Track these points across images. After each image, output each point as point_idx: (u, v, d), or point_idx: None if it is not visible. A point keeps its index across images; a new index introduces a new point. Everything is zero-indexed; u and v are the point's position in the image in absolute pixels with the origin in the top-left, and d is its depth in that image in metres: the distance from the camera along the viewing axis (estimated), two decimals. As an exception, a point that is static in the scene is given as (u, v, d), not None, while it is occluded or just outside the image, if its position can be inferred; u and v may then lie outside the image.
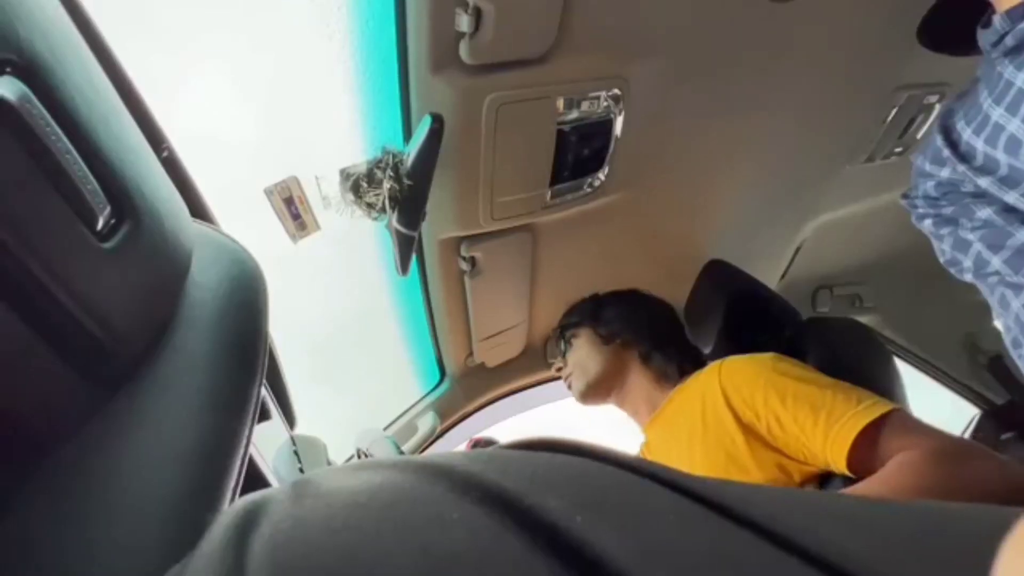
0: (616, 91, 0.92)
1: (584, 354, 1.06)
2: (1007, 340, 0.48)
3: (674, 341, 1.06)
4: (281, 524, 0.14)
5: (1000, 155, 0.45)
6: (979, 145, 0.47)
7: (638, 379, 1.00)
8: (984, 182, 0.46)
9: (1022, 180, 0.44)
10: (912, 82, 1.22)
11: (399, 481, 0.15)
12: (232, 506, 0.16)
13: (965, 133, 0.49)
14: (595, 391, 1.03)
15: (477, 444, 1.99)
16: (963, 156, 0.49)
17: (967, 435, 1.81)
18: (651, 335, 1.04)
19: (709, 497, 0.14)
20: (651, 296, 1.15)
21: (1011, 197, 0.44)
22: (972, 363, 1.79)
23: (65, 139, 0.24)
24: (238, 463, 0.32)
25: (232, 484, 0.31)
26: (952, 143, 0.51)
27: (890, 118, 1.28)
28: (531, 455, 0.17)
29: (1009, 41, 0.44)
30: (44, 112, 0.23)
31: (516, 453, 0.17)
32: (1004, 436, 1.73)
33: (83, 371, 0.27)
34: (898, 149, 1.37)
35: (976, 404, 1.83)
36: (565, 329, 1.13)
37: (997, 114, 0.45)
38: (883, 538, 0.14)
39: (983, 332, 1.75)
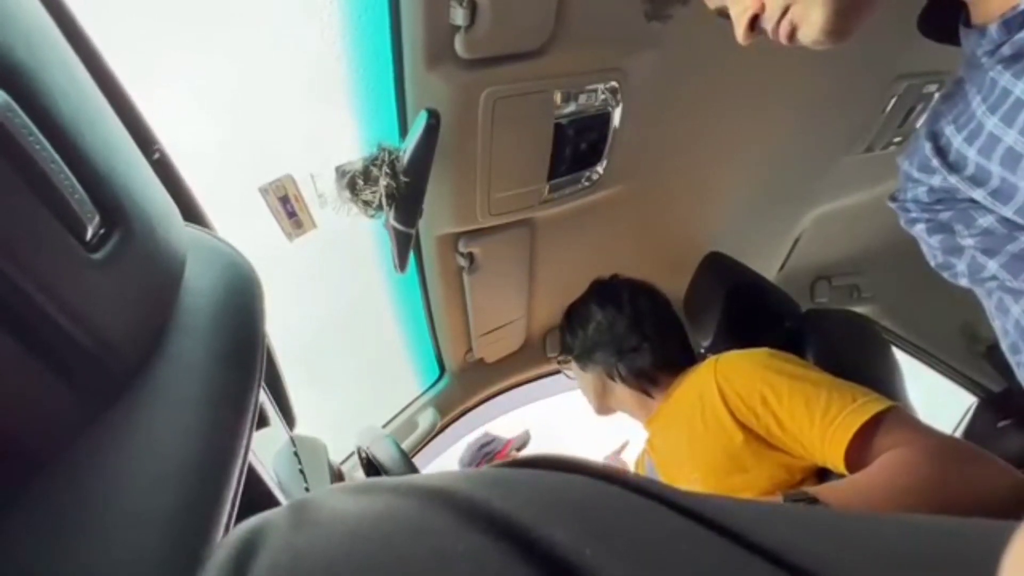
0: (614, 83, 0.91)
1: (578, 381, 1.09)
2: (1004, 345, 0.47)
3: (648, 344, 0.96)
4: (279, 558, 0.13)
5: (994, 167, 0.43)
6: (971, 155, 0.45)
7: (624, 393, 1.00)
8: (978, 195, 0.44)
9: (1014, 194, 0.42)
10: (911, 71, 1.21)
11: (402, 508, 0.14)
12: (229, 536, 0.15)
13: (956, 140, 0.47)
14: (599, 409, 1.07)
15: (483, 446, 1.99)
16: (952, 165, 0.47)
17: (965, 423, 1.82)
18: (616, 349, 0.98)
19: (721, 522, 0.14)
20: (617, 297, 1.02)
21: (1008, 211, 0.43)
22: (970, 352, 1.80)
23: (50, 147, 0.23)
24: (237, 472, 0.32)
25: (231, 494, 0.31)
26: (940, 150, 0.48)
27: (889, 108, 1.27)
28: (537, 476, 0.16)
29: (1007, 51, 0.43)
30: (27, 120, 0.22)
31: (522, 475, 0.16)
32: (1001, 423, 1.73)
33: (75, 385, 0.26)
34: (897, 139, 1.36)
35: (974, 392, 1.84)
36: (560, 363, 1.14)
37: (992, 124, 0.43)
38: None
39: (981, 321, 1.75)
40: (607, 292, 1.05)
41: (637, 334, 0.97)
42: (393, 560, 0.13)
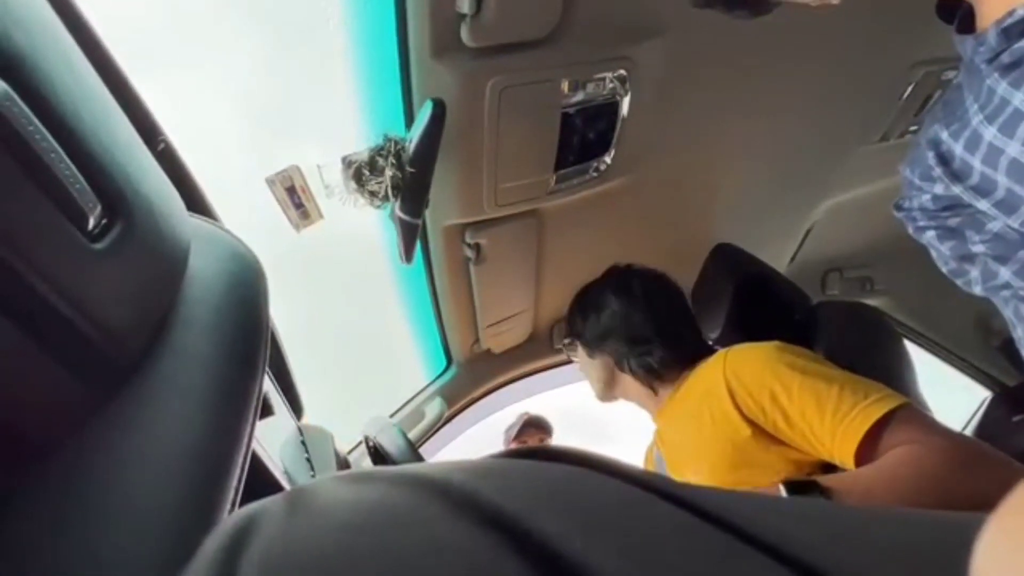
0: (622, 72, 0.90)
1: (582, 365, 1.07)
2: None
3: (660, 339, 0.95)
4: (272, 546, 0.13)
5: (1000, 178, 0.42)
6: (976, 164, 0.44)
7: (632, 385, 0.99)
8: (982, 205, 0.43)
9: (1020, 205, 0.41)
10: (929, 58, 1.18)
11: (395, 498, 0.14)
12: (224, 523, 0.15)
13: (956, 148, 0.46)
14: (603, 396, 1.06)
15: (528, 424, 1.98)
16: (956, 174, 0.46)
17: (978, 417, 1.79)
18: (628, 340, 0.96)
19: (720, 515, 0.14)
20: (633, 286, 1.00)
21: (1014, 223, 0.42)
22: (984, 345, 1.77)
23: (50, 138, 0.23)
24: (239, 463, 0.32)
25: (233, 484, 0.31)
26: (942, 157, 0.47)
27: (906, 95, 1.24)
28: (533, 467, 0.16)
29: (1006, 59, 0.41)
30: (26, 110, 0.22)
31: (518, 465, 0.16)
32: (1016, 418, 1.71)
33: (79, 375, 0.26)
34: (913, 127, 1.33)
35: (988, 386, 1.81)
36: (565, 345, 1.12)
37: (991, 134, 0.42)
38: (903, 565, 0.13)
39: (995, 314, 1.72)
40: (624, 280, 1.02)
41: (651, 327, 0.96)
42: (384, 551, 0.13)
